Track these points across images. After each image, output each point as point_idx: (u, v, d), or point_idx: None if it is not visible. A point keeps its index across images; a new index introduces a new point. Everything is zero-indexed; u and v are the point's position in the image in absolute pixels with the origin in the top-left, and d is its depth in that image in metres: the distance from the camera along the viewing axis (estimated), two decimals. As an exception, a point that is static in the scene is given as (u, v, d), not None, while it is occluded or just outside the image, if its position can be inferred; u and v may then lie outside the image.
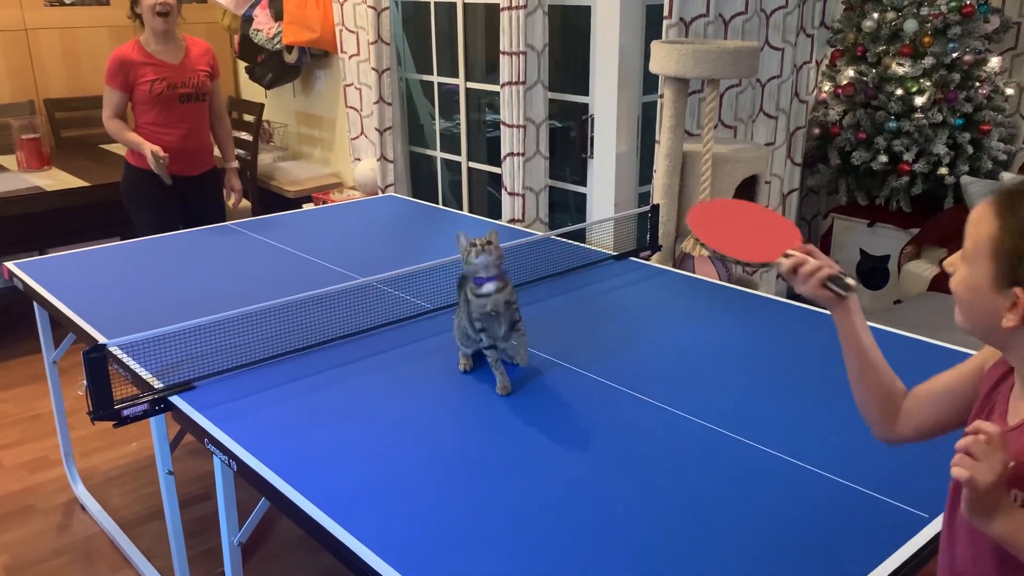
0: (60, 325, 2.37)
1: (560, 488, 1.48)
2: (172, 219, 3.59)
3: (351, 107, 4.70)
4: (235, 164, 3.81)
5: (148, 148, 3.37)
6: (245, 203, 4.71)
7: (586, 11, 3.54)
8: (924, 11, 3.56)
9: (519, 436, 1.64)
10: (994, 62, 3.65)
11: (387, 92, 4.40)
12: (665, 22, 3.23)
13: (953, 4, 3.52)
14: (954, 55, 3.56)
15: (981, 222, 0.99)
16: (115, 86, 3.44)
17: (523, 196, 3.78)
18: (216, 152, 3.78)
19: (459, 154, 4.38)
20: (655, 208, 2.79)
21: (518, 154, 3.72)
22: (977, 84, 3.61)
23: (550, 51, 3.65)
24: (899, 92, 3.63)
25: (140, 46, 3.44)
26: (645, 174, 3.70)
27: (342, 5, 4.50)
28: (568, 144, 4.07)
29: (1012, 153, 3.73)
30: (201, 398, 1.80)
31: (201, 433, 1.70)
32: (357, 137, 4.74)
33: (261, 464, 1.56)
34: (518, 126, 3.67)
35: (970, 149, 3.61)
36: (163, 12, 3.36)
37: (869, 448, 1.57)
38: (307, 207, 4.05)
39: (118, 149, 4.94)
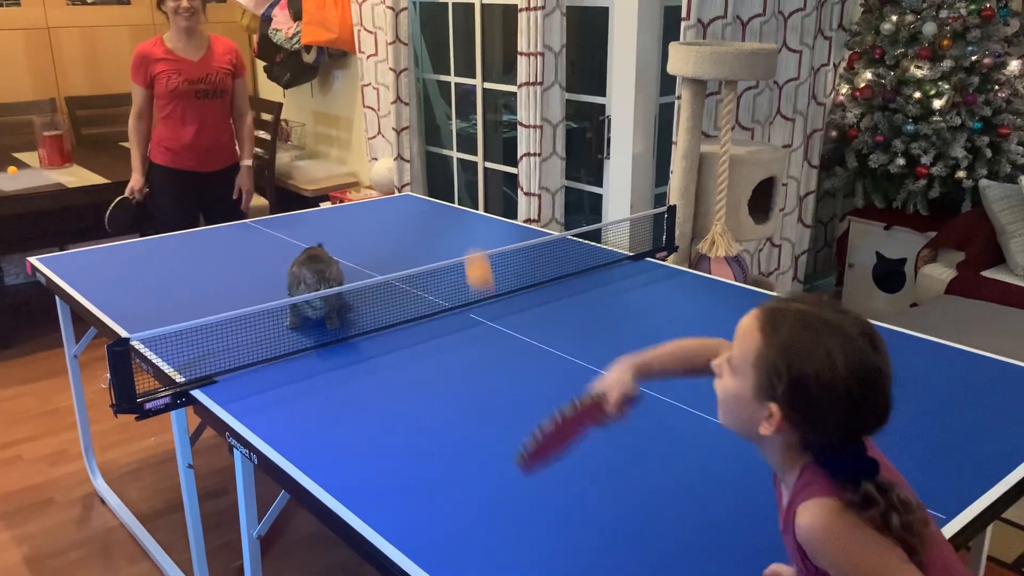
0: (81, 320, 2.40)
1: (578, 483, 1.49)
2: (192, 215, 3.66)
3: (368, 107, 4.73)
4: (249, 162, 3.83)
5: (134, 181, 3.67)
6: (263, 201, 4.74)
7: (604, 12, 3.55)
8: (943, 14, 3.56)
9: (536, 433, 1.66)
10: (1014, 65, 3.64)
11: (404, 92, 4.43)
12: (683, 23, 3.23)
13: (972, 7, 3.51)
14: (973, 58, 3.55)
15: (747, 335, 1.05)
16: (137, 82, 3.56)
17: (539, 196, 3.79)
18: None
19: (475, 154, 4.40)
20: (671, 209, 2.80)
21: (534, 154, 3.73)
22: (996, 87, 3.59)
23: (567, 52, 3.66)
24: (917, 95, 3.62)
25: (162, 42, 3.53)
26: (661, 175, 3.70)
27: (360, 5, 4.53)
28: (584, 145, 4.08)
29: (1031, 157, 3.71)
30: (222, 392, 1.83)
31: (223, 427, 1.73)
32: (374, 137, 4.77)
33: (282, 458, 1.58)
34: (535, 126, 3.69)
35: (988, 152, 3.60)
36: (185, 14, 3.46)
37: (883, 449, 1.57)
38: (324, 206, 4.08)
39: (138, 147, 4.99)
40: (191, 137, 3.59)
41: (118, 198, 3.69)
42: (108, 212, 3.68)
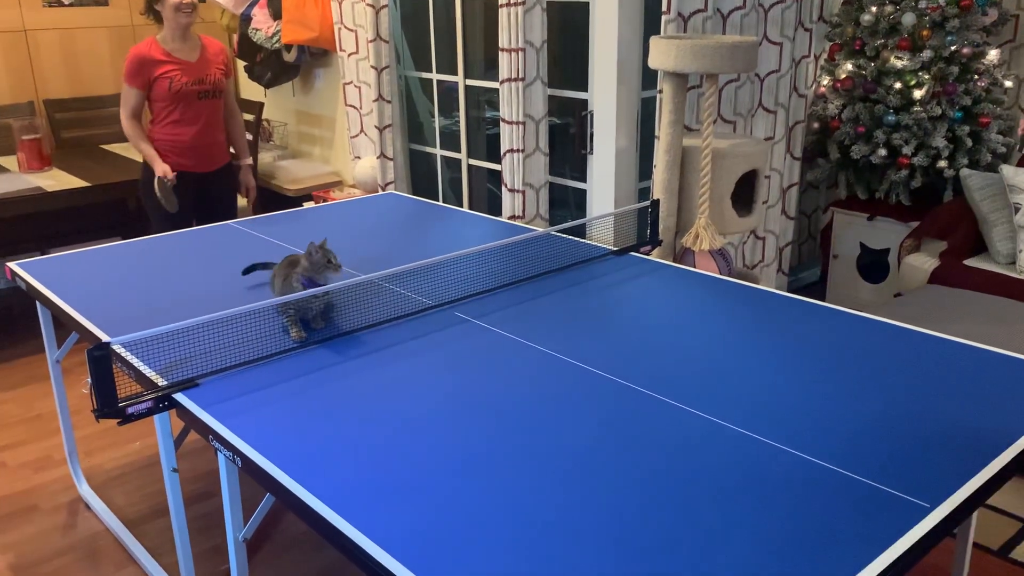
0: (63, 325, 2.37)
1: (564, 481, 1.49)
2: (186, 216, 3.67)
3: (350, 105, 4.71)
4: (249, 161, 3.91)
5: (160, 168, 3.49)
6: (243, 201, 4.72)
7: (584, 7, 3.55)
8: (922, 4, 3.57)
9: (524, 431, 1.65)
10: (992, 55, 3.66)
11: (386, 90, 4.41)
12: (664, 17, 3.23)
13: (951, -3, 3.52)
14: (952, 48, 3.56)
15: None
16: (134, 84, 3.51)
17: (523, 192, 3.79)
18: (231, 150, 3.87)
19: (459, 151, 4.39)
20: (655, 203, 2.80)
21: (518, 151, 3.72)
22: (976, 77, 3.61)
23: (549, 47, 3.65)
24: (898, 86, 3.64)
25: (157, 44, 3.52)
26: (645, 169, 3.71)
27: (341, 3, 4.50)
28: (568, 140, 4.08)
29: (1011, 145, 3.73)
30: (205, 395, 1.81)
31: (206, 430, 1.71)
32: (357, 135, 4.75)
33: (266, 460, 1.57)
34: (517, 123, 3.68)
35: (969, 142, 3.62)
36: (188, 10, 3.46)
37: (868, 438, 1.58)
38: (307, 205, 4.06)
39: (118, 150, 4.95)
40: (191, 137, 3.60)
41: (155, 180, 3.51)
42: (159, 195, 3.51)
